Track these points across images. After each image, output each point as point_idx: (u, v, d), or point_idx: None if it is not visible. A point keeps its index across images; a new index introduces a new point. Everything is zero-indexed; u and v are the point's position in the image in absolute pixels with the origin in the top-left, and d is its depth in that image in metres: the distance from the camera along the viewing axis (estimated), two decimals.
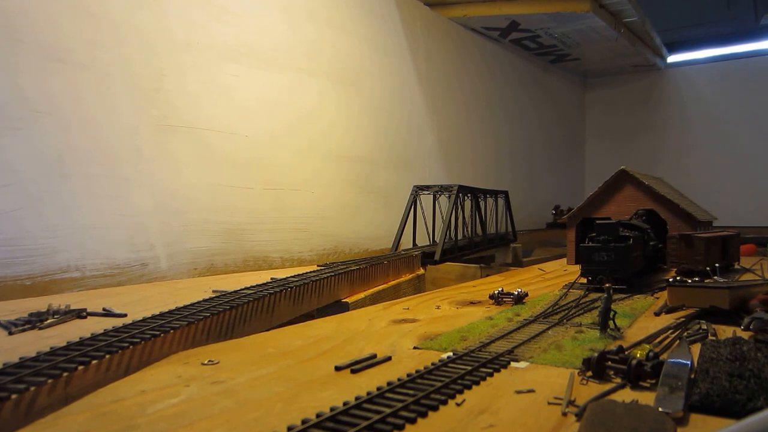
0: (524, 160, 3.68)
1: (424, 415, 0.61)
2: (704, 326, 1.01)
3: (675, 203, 1.90)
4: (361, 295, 1.46)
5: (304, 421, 0.57)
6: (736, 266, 1.91)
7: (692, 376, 0.69)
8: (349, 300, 1.40)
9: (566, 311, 1.16)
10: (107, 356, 0.75)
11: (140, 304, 1.16)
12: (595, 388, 0.69)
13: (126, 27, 1.56)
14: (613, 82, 4.29)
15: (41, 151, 1.39)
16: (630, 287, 1.40)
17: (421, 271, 1.82)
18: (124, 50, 1.55)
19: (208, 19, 1.77)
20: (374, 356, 0.83)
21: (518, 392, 0.68)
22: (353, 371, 0.77)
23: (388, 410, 0.59)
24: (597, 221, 1.48)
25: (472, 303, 1.32)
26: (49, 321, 0.96)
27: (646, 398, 0.64)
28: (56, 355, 0.72)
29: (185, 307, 1.02)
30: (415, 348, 0.90)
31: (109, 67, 1.52)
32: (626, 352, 0.77)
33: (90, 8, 1.48)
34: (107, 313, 1.05)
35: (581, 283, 1.45)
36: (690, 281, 1.31)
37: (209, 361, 0.82)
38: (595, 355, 0.73)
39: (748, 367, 0.65)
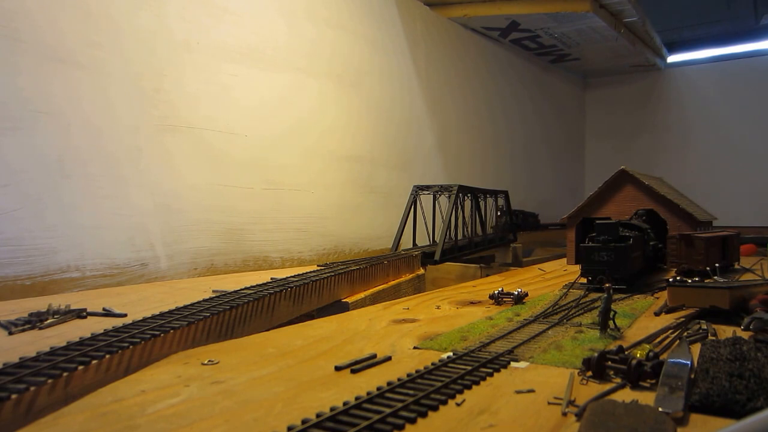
0: (524, 159, 3.68)
1: (424, 415, 0.61)
2: (704, 326, 1.01)
3: (675, 203, 1.90)
4: (361, 295, 1.46)
5: (304, 421, 0.57)
6: (736, 266, 1.91)
7: (692, 376, 0.69)
8: (349, 300, 1.40)
9: (566, 311, 1.16)
10: (107, 356, 0.74)
11: (140, 304, 1.16)
12: (595, 388, 0.69)
13: (126, 27, 1.56)
14: (613, 82, 4.29)
15: (41, 151, 1.39)
16: (630, 287, 1.40)
17: (421, 271, 1.82)
18: (123, 50, 1.55)
19: (208, 19, 1.77)
20: (374, 356, 0.83)
21: (518, 392, 0.68)
22: (353, 371, 0.77)
23: (388, 410, 0.59)
24: (597, 221, 1.48)
25: (472, 303, 1.32)
26: (49, 321, 0.96)
27: (646, 398, 0.64)
28: (56, 355, 0.72)
29: (185, 307, 1.02)
30: (415, 348, 0.90)
31: (108, 67, 1.52)
32: (626, 352, 0.77)
33: (90, 8, 1.48)
34: (107, 313, 1.05)
35: (581, 283, 1.45)
36: (690, 281, 1.31)
37: (209, 361, 0.82)
38: (595, 355, 0.73)
39: (748, 367, 0.65)
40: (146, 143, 1.60)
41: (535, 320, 1.08)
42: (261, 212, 1.92)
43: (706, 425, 0.59)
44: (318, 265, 1.57)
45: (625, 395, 0.67)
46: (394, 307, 1.28)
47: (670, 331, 0.99)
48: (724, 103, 3.88)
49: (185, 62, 1.70)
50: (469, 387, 0.69)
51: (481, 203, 2.29)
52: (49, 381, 0.66)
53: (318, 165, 2.15)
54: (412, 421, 0.59)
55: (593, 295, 1.34)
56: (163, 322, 0.90)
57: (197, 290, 1.30)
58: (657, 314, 1.15)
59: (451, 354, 0.83)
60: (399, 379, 0.69)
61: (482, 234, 2.29)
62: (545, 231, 3.13)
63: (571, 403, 0.64)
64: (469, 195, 2.17)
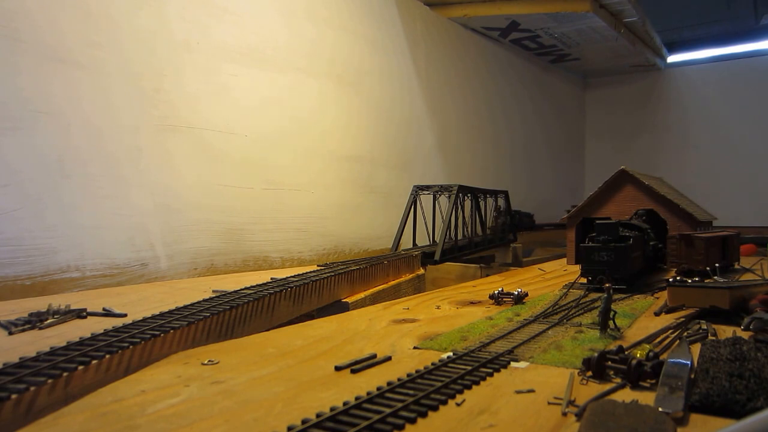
0: (524, 159, 3.68)
1: (424, 415, 0.61)
2: (704, 326, 1.01)
3: (675, 203, 1.90)
4: (361, 295, 1.46)
5: (304, 421, 0.57)
6: (736, 266, 1.91)
7: (692, 376, 0.69)
8: (349, 300, 1.40)
9: (566, 311, 1.16)
10: (107, 356, 0.74)
11: (140, 304, 1.16)
12: (595, 388, 0.69)
13: (126, 27, 1.56)
14: (613, 82, 4.29)
15: (41, 151, 1.39)
16: (630, 287, 1.40)
17: (421, 271, 1.82)
18: (123, 50, 1.55)
19: (208, 19, 1.77)
20: (374, 356, 0.83)
21: (518, 392, 0.68)
22: (353, 371, 0.77)
23: (388, 410, 0.59)
24: (597, 221, 1.48)
25: (472, 303, 1.32)
26: (49, 321, 0.96)
27: (646, 398, 0.64)
28: (56, 355, 0.72)
29: (185, 307, 1.02)
30: (415, 348, 0.90)
31: (108, 67, 1.52)
32: (626, 352, 0.77)
33: (89, 8, 1.48)
34: (107, 313, 1.05)
35: (581, 283, 1.45)
36: (690, 281, 1.31)
37: (209, 361, 0.82)
38: (595, 355, 0.73)
39: (748, 367, 0.65)
40: (146, 143, 1.60)
41: (535, 320, 1.08)
42: (261, 212, 1.92)
43: (706, 425, 0.59)
44: (318, 265, 1.57)
45: (625, 395, 0.67)
46: (394, 307, 1.28)
47: (670, 331, 0.99)
48: (724, 103, 3.88)
49: (185, 62, 1.70)
50: (469, 387, 0.69)
51: (481, 203, 2.29)
52: (49, 381, 0.66)
53: (318, 165, 2.15)
54: (412, 421, 0.59)
55: (593, 295, 1.34)
56: (163, 322, 0.90)
57: (197, 290, 1.30)
58: (657, 314, 1.15)
59: (451, 354, 0.83)
60: (399, 379, 0.69)
61: (482, 234, 2.29)
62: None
63: (571, 403, 0.64)
64: (469, 195, 2.17)
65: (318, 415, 0.58)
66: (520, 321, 1.07)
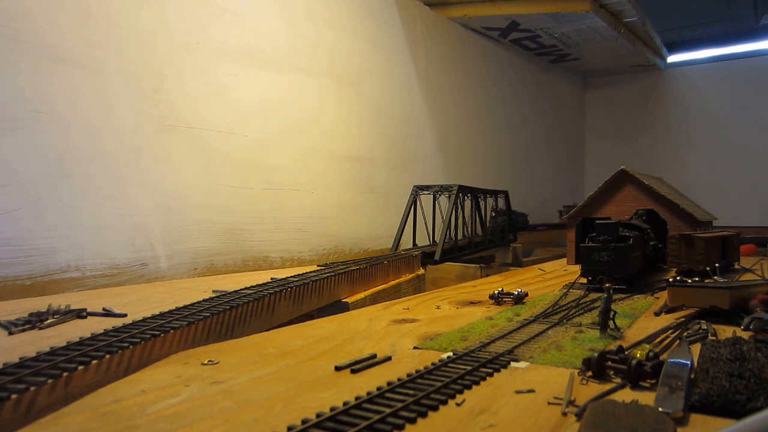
0: (524, 159, 3.68)
1: (424, 415, 0.61)
2: (704, 326, 1.01)
3: (675, 203, 1.90)
4: (361, 295, 1.46)
5: (304, 421, 0.57)
6: (736, 266, 1.91)
7: (692, 376, 0.69)
8: (349, 300, 1.40)
9: (566, 311, 1.16)
10: (107, 356, 0.74)
11: (140, 304, 1.16)
12: (595, 388, 0.69)
13: (125, 27, 1.56)
14: (613, 82, 4.29)
15: (41, 151, 1.39)
16: (630, 287, 1.40)
17: (421, 271, 1.82)
18: (123, 50, 1.55)
19: (208, 19, 1.77)
20: (374, 356, 0.83)
21: (518, 392, 0.68)
22: (353, 371, 0.77)
23: (388, 410, 0.59)
24: (597, 221, 1.48)
25: (472, 303, 1.32)
26: (49, 321, 0.96)
27: (646, 398, 0.64)
28: (56, 355, 0.72)
29: (185, 307, 1.02)
30: (415, 348, 0.90)
31: (108, 67, 1.52)
32: (626, 352, 0.77)
33: (90, 8, 1.48)
34: (107, 313, 1.05)
35: (581, 283, 1.45)
36: (690, 281, 1.31)
37: (209, 361, 0.82)
38: (595, 355, 0.73)
39: (748, 367, 0.65)
40: (146, 143, 1.60)
41: (535, 320, 1.08)
42: (261, 212, 1.92)
43: (706, 425, 0.59)
44: (318, 265, 1.57)
45: (625, 395, 0.67)
46: (394, 307, 1.28)
47: (670, 331, 0.99)
48: (724, 103, 3.88)
49: (185, 62, 1.70)
50: (469, 387, 0.69)
51: (481, 203, 2.29)
52: (49, 381, 0.66)
53: (318, 165, 2.15)
54: (412, 421, 0.59)
55: (593, 295, 1.34)
56: (163, 322, 0.91)
57: (197, 290, 1.30)
58: (657, 314, 1.15)
59: (451, 354, 0.83)
60: (399, 379, 0.69)
61: (482, 234, 2.29)
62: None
63: (571, 403, 0.64)
64: (469, 195, 2.17)
65: (318, 415, 0.58)
66: (520, 321, 1.07)
